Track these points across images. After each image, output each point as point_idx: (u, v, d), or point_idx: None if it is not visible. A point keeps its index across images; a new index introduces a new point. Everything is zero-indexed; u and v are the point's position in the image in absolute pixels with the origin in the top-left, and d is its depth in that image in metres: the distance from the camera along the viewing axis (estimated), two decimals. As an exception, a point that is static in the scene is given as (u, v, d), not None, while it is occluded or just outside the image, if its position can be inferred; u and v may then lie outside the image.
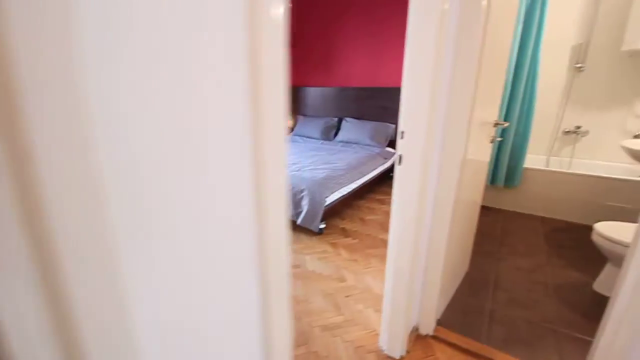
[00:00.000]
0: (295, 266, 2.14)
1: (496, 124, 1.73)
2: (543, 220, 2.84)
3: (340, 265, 2.15)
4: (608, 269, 1.87)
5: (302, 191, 2.50)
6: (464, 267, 2.01)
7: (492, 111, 1.63)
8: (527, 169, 2.85)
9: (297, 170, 2.80)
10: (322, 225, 2.55)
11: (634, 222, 1.85)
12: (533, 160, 3.24)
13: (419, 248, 1.30)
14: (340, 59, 4.29)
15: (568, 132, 3.09)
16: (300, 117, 4.65)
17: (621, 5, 2.68)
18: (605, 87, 2.88)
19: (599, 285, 1.91)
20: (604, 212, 2.65)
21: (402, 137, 1.12)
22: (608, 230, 1.75)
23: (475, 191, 1.77)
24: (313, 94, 4.60)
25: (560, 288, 1.93)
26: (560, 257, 2.26)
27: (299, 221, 2.50)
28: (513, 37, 2.56)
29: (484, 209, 3.10)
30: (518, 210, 3.00)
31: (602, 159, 3.01)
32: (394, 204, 1.23)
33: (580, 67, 2.91)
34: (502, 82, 1.73)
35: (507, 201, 3.03)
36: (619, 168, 2.88)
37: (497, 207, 3.08)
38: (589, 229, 1.91)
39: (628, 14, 2.58)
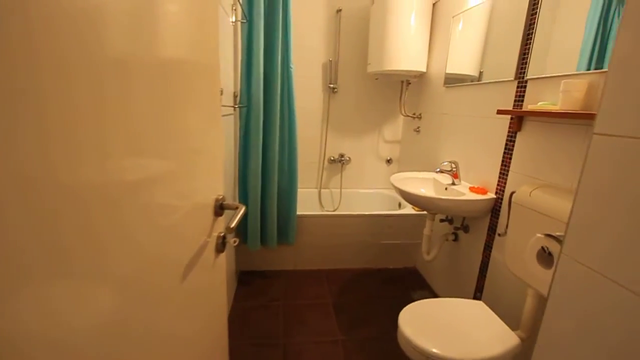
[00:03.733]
0: None
1: (221, 208, 0.72)
2: (328, 276, 2.26)
3: None
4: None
5: None
6: None
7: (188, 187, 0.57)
8: (301, 216, 2.17)
9: None
10: None
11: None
12: (306, 196, 2.68)
13: None
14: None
15: (333, 160, 2.71)
16: None
17: (360, 25, 2.45)
18: (358, 111, 2.64)
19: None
20: (384, 252, 2.35)
21: None
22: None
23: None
24: None
25: None
26: (359, 349, 1.61)
27: None
28: (249, 41, 1.75)
29: (259, 276, 2.27)
30: (301, 267, 2.31)
31: (368, 186, 2.81)
32: None
33: (334, 88, 2.54)
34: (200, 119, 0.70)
35: (287, 259, 2.28)
36: (386, 197, 2.74)
37: (277, 269, 2.28)
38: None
39: (367, 34, 2.36)
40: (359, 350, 1.61)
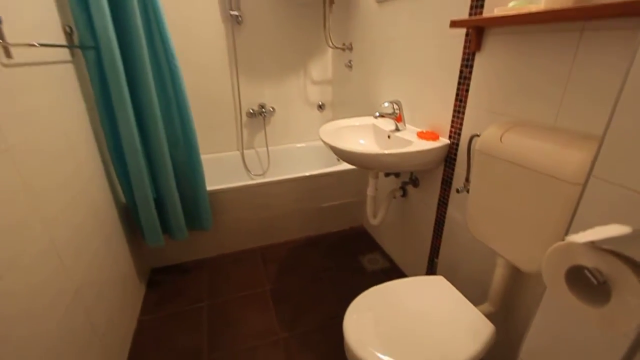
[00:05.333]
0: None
1: None
2: (264, 254, 1.89)
3: None
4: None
5: None
6: None
7: None
8: (216, 192, 1.70)
9: None
10: None
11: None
12: (227, 161, 2.18)
13: None
14: None
15: (252, 113, 2.19)
16: None
17: None
18: (274, 46, 2.07)
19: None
20: (326, 216, 2.03)
21: None
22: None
23: None
24: None
25: None
26: (303, 346, 1.33)
27: None
28: None
29: (177, 272, 1.72)
30: (229, 249, 1.91)
31: (300, 139, 2.38)
32: None
33: (237, 17, 1.91)
34: None
35: (210, 244, 1.85)
36: (323, 150, 2.34)
37: (200, 257, 1.85)
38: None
39: None
40: (303, 347, 1.32)
